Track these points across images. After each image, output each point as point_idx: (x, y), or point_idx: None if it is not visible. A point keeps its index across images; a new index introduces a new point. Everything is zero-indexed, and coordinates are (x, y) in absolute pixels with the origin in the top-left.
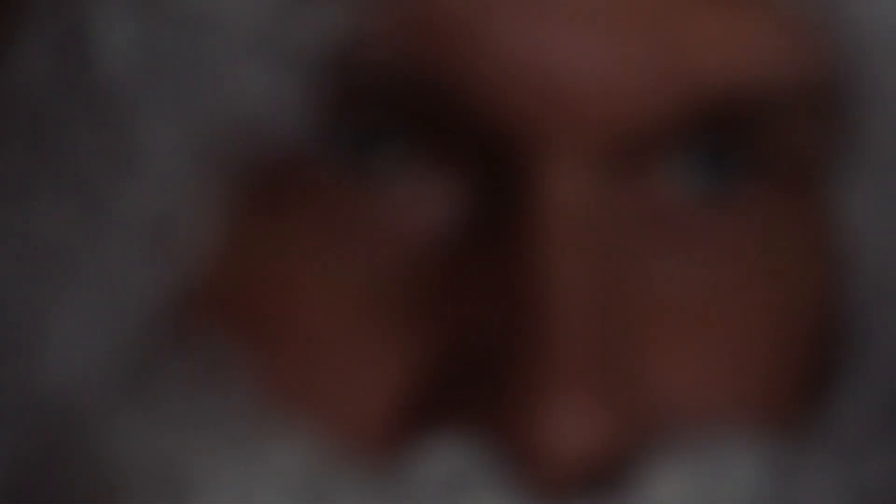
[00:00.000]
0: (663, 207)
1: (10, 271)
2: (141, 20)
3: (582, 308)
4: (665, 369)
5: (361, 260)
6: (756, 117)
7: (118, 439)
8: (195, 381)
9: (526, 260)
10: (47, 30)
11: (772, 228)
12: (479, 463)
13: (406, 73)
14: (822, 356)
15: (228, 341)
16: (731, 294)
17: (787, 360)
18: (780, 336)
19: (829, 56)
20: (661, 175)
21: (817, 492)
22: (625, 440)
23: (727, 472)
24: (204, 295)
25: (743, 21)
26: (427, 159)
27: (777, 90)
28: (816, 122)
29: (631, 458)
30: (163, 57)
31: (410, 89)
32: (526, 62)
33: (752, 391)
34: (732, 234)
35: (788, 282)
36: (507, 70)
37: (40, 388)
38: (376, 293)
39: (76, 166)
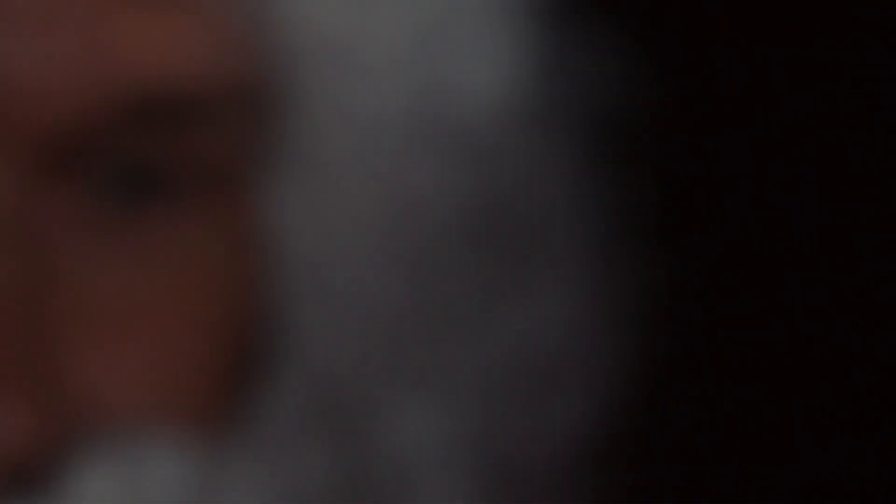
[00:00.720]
0: (89, 213)
1: None
2: None
3: (2, 308)
4: (91, 370)
5: None
6: (184, 119)
7: None
8: None
9: None
10: None
11: (199, 231)
12: None
13: None
14: (248, 355)
15: None
16: (158, 296)
17: (213, 359)
18: (206, 336)
19: (259, 57)
20: (88, 181)
21: (242, 490)
22: (49, 439)
23: (153, 470)
24: None
25: (171, 23)
26: None
27: (206, 92)
28: (245, 123)
29: (56, 457)
30: None
31: None
32: None
33: (178, 391)
34: (158, 238)
35: (215, 283)
36: None
37: None
38: None
39: None
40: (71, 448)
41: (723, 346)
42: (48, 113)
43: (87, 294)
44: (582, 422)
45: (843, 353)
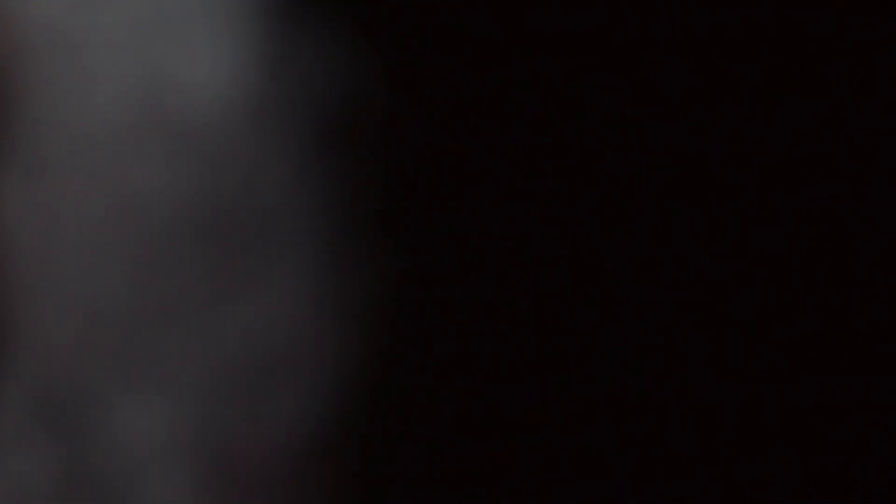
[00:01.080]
0: None
1: None
2: None
3: None
4: None
5: None
6: None
7: None
8: None
9: None
10: None
11: None
12: None
13: None
14: None
15: None
16: None
17: None
18: None
19: None
20: None
21: None
22: None
23: None
24: None
25: None
26: None
27: None
28: None
29: None
30: None
31: None
32: None
33: None
34: None
35: None
36: None
37: None
38: None
39: None
40: None
41: (449, 340)
42: None
43: None
44: (306, 417)
45: (592, 346)
